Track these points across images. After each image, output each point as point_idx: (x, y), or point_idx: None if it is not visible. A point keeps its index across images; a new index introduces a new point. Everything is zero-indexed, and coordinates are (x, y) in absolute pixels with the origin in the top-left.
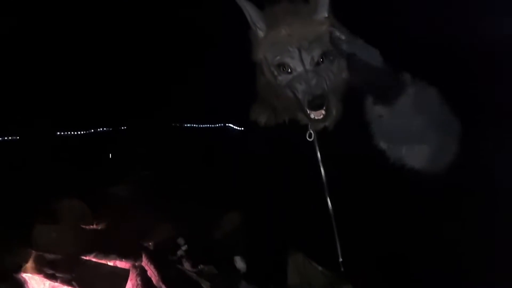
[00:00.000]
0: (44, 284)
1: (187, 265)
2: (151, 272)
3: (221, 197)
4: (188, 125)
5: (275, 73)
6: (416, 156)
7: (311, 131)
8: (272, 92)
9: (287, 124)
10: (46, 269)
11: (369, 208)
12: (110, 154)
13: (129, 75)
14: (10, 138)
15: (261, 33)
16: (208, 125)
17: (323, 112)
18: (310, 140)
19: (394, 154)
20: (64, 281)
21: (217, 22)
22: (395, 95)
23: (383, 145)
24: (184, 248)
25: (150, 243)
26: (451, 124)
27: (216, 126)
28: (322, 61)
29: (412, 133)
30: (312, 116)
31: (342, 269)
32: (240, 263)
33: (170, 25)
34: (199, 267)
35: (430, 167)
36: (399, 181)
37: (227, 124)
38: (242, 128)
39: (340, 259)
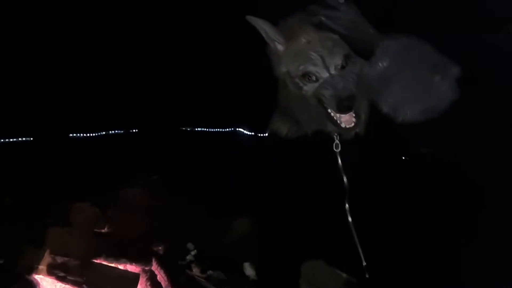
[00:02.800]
0: (55, 286)
1: (196, 271)
2: (161, 277)
3: (232, 203)
4: (199, 129)
5: (300, 84)
6: (412, 104)
7: (338, 142)
8: (297, 105)
9: (310, 136)
10: (57, 271)
11: (390, 215)
12: (122, 157)
13: (141, 79)
14: (23, 139)
15: (280, 47)
16: (218, 129)
17: (354, 119)
18: (337, 150)
19: (396, 112)
20: (75, 284)
21: (229, 27)
22: (371, 48)
23: (385, 108)
24: (193, 253)
25: (160, 248)
26: (444, 67)
27: (227, 131)
28: (346, 64)
29: (403, 82)
30: (342, 125)
31: (367, 276)
32: (249, 270)
33: (181, 29)
34: (208, 272)
35: (428, 114)
36: (421, 187)
37: (237, 129)
38: (253, 133)
39: (364, 263)
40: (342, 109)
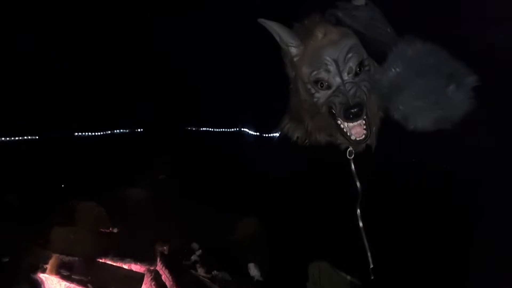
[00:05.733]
0: (60, 285)
1: (201, 271)
2: (166, 277)
3: (237, 203)
4: (204, 129)
5: (312, 90)
6: (424, 113)
7: (351, 149)
8: (307, 113)
9: (322, 146)
10: (62, 270)
11: (402, 222)
12: (127, 157)
13: (147, 78)
14: (29, 137)
15: (294, 51)
16: (223, 129)
17: (364, 131)
18: (350, 158)
19: (407, 120)
20: (80, 283)
21: (238, 28)
22: (384, 50)
23: (396, 116)
24: (198, 253)
25: (165, 248)
26: (460, 77)
27: (232, 131)
28: (359, 71)
29: (415, 90)
30: (353, 137)
31: (372, 277)
32: (254, 271)
33: (189, 30)
34: (213, 273)
35: (440, 124)
36: (434, 197)
37: (242, 129)
38: (258, 134)
39: (371, 266)
40: (348, 117)
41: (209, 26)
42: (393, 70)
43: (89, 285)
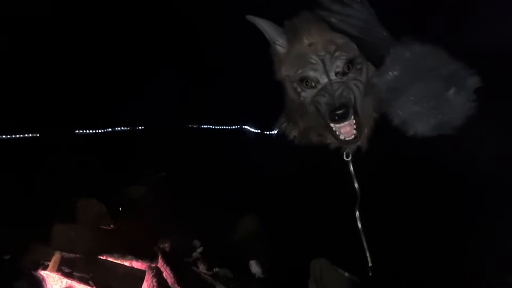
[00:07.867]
0: (61, 282)
1: (202, 268)
2: (167, 274)
3: (238, 200)
4: (205, 126)
5: (298, 89)
6: (424, 118)
7: (348, 151)
8: (297, 112)
9: (315, 146)
10: (64, 267)
11: (400, 223)
12: (128, 154)
13: (148, 77)
14: (30, 135)
15: (281, 49)
16: (224, 127)
17: (354, 131)
18: (348, 159)
19: (406, 125)
20: (81, 280)
21: (237, 26)
22: (383, 54)
23: (395, 121)
24: (199, 250)
25: (166, 245)
26: (461, 79)
27: (233, 128)
28: (348, 70)
29: (414, 94)
30: (341, 137)
31: (370, 274)
32: (255, 268)
33: (190, 29)
34: (214, 270)
35: (441, 129)
36: (433, 198)
37: (243, 126)
38: (259, 131)
39: (370, 264)
40: (334, 118)
41: (210, 25)
42: (390, 73)
43: (90, 282)
